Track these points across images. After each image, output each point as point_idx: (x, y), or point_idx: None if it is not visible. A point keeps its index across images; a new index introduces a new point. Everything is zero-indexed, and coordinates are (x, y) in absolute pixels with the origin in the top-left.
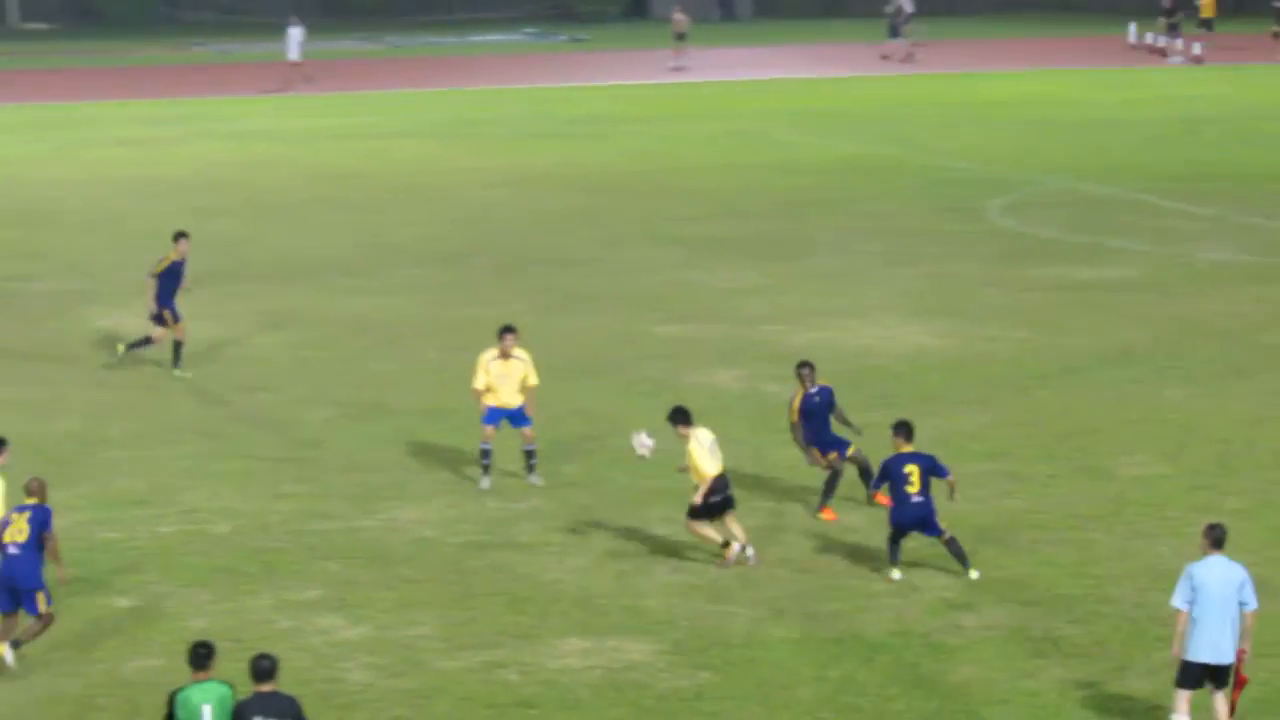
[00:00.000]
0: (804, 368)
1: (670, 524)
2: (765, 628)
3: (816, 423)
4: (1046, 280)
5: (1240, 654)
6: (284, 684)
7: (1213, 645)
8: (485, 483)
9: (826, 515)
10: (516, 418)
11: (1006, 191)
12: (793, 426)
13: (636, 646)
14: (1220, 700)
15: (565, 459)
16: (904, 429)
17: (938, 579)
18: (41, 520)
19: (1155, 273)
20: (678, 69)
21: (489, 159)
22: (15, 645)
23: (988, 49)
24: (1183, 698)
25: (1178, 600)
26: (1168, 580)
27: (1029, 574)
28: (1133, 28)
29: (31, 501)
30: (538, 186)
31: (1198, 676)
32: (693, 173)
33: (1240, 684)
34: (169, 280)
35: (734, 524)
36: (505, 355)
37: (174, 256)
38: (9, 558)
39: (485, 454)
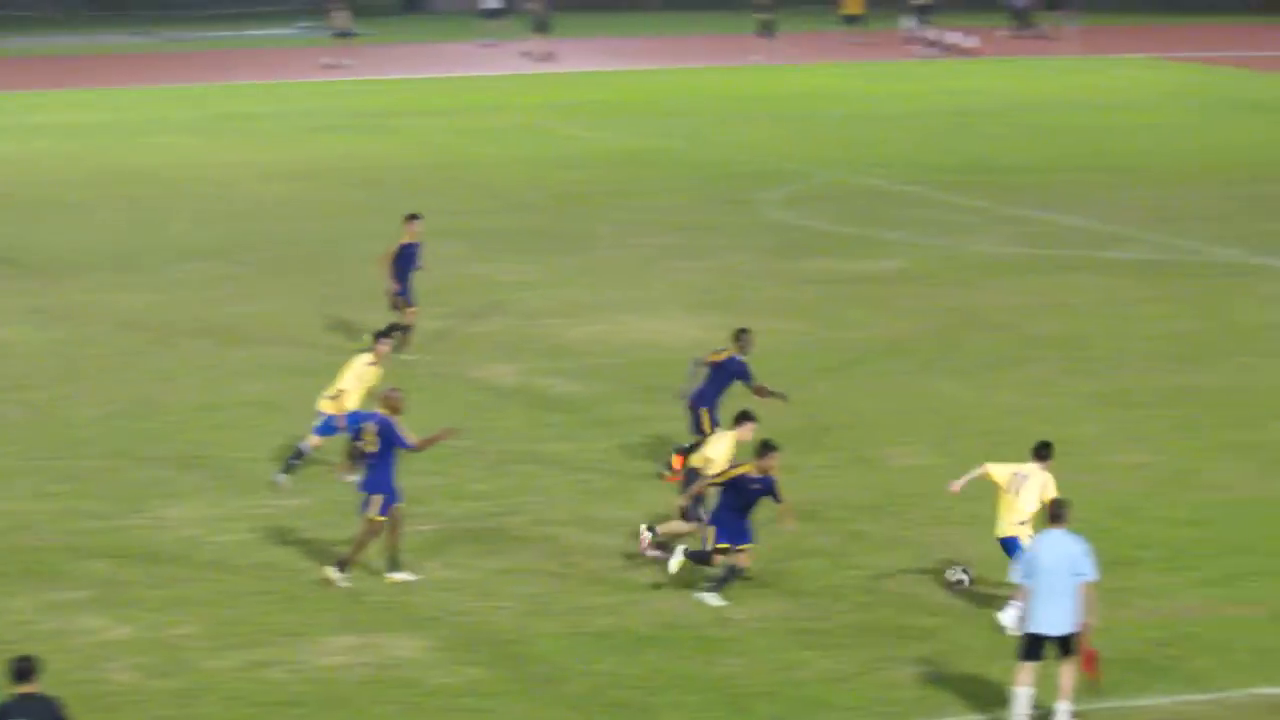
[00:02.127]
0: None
1: (438, 519)
2: (533, 623)
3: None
4: (820, 273)
5: (1084, 626)
6: (46, 686)
7: (1048, 617)
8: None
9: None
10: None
11: (781, 184)
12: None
13: (405, 643)
14: (1066, 671)
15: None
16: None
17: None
18: None
19: (926, 265)
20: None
21: (267, 153)
22: None
23: (794, 42)
24: (1024, 670)
25: (1016, 575)
26: (936, 570)
27: (798, 565)
28: (906, 21)
29: None
30: (319, 181)
31: (1037, 648)
32: (475, 166)
33: (1089, 658)
34: (403, 263)
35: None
36: (377, 363)
37: (406, 239)
38: None
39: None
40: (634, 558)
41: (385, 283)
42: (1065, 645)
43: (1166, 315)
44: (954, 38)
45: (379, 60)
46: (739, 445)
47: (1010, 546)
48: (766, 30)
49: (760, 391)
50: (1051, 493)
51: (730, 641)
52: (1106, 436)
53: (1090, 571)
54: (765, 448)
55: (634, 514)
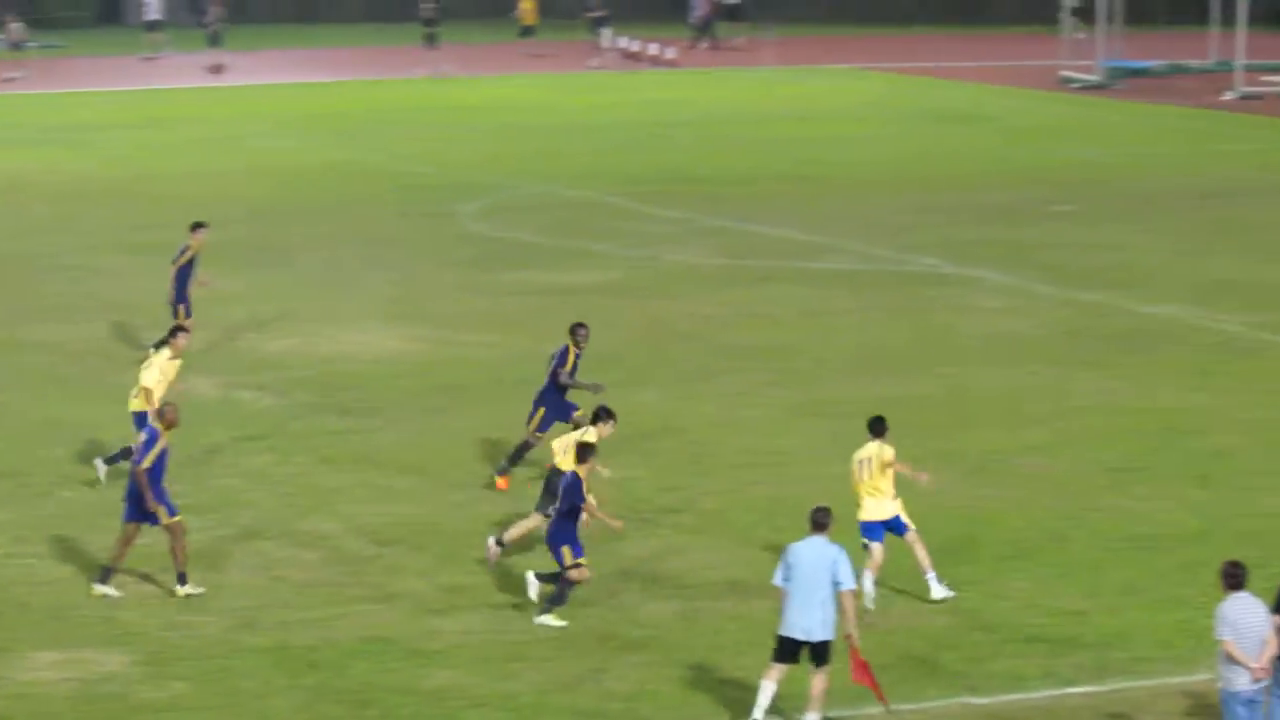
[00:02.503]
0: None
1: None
2: (239, 637)
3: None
4: (520, 285)
5: (849, 638)
6: None
7: (799, 622)
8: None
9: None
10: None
11: (479, 196)
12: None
13: (111, 658)
14: (818, 679)
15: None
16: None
17: (415, 584)
18: None
19: (628, 276)
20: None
21: None
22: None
23: (469, 54)
24: (773, 670)
25: (776, 578)
26: (641, 581)
27: (504, 576)
28: (607, 32)
29: None
30: (9, 195)
31: (789, 651)
32: (171, 179)
33: (859, 667)
34: (185, 272)
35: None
36: (177, 356)
37: (195, 248)
38: None
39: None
40: (340, 565)
41: (168, 291)
42: (817, 653)
43: (868, 325)
44: (653, 49)
45: (68, 72)
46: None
47: (898, 526)
48: (430, 42)
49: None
50: (889, 457)
51: (440, 654)
52: (810, 447)
53: (848, 580)
54: (582, 448)
55: (336, 526)
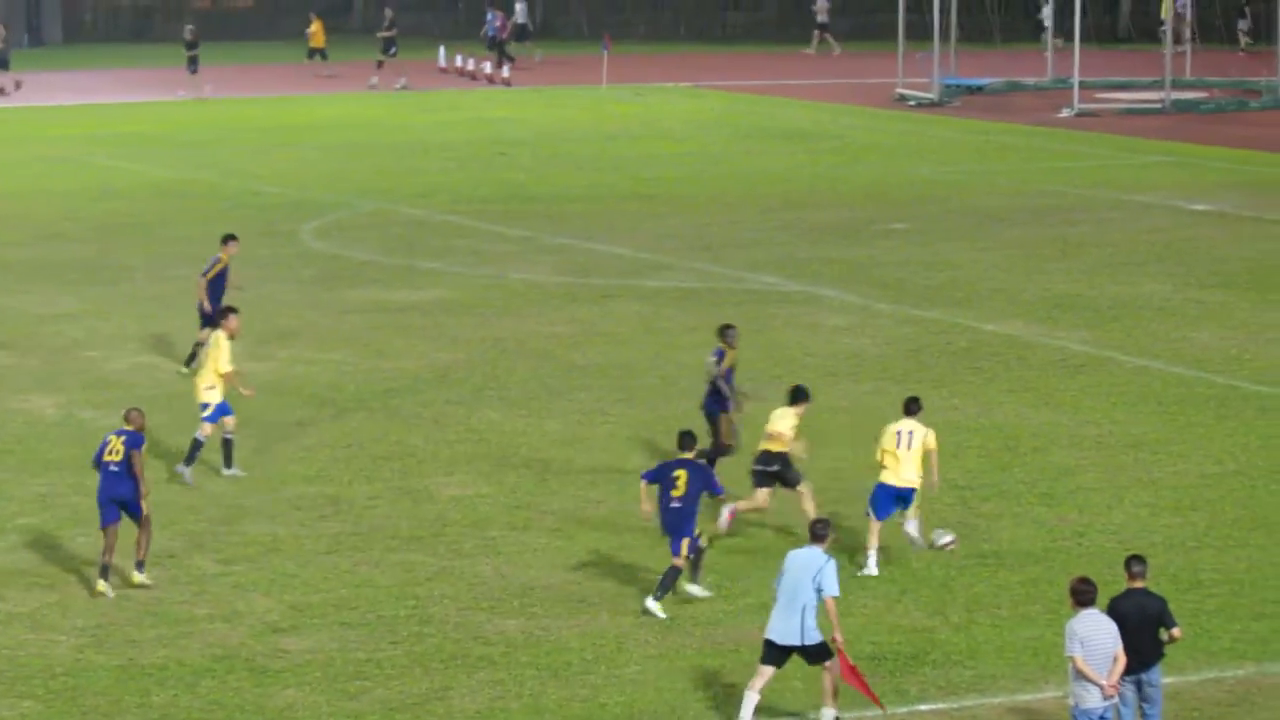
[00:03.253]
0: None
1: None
2: (88, 655)
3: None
4: (363, 302)
5: (835, 641)
6: None
7: (777, 626)
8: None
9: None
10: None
11: (320, 214)
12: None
13: None
14: (825, 676)
15: None
16: (685, 438)
17: (261, 603)
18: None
19: (470, 294)
20: None
21: None
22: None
23: (292, 74)
24: (760, 674)
25: (775, 582)
26: (489, 599)
27: (350, 595)
28: (442, 51)
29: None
30: None
31: (771, 653)
32: (5, 199)
33: (849, 670)
34: (218, 284)
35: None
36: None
37: (225, 260)
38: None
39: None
40: (186, 585)
41: (202, 303)
42: (811, 655)
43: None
44: (486, 67)
45: None
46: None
47: (908, 496)
48: (192, 65)
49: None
50: (933, 444)
51: (287, 672)
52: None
53: (831, 588)
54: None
55: (183, 544)
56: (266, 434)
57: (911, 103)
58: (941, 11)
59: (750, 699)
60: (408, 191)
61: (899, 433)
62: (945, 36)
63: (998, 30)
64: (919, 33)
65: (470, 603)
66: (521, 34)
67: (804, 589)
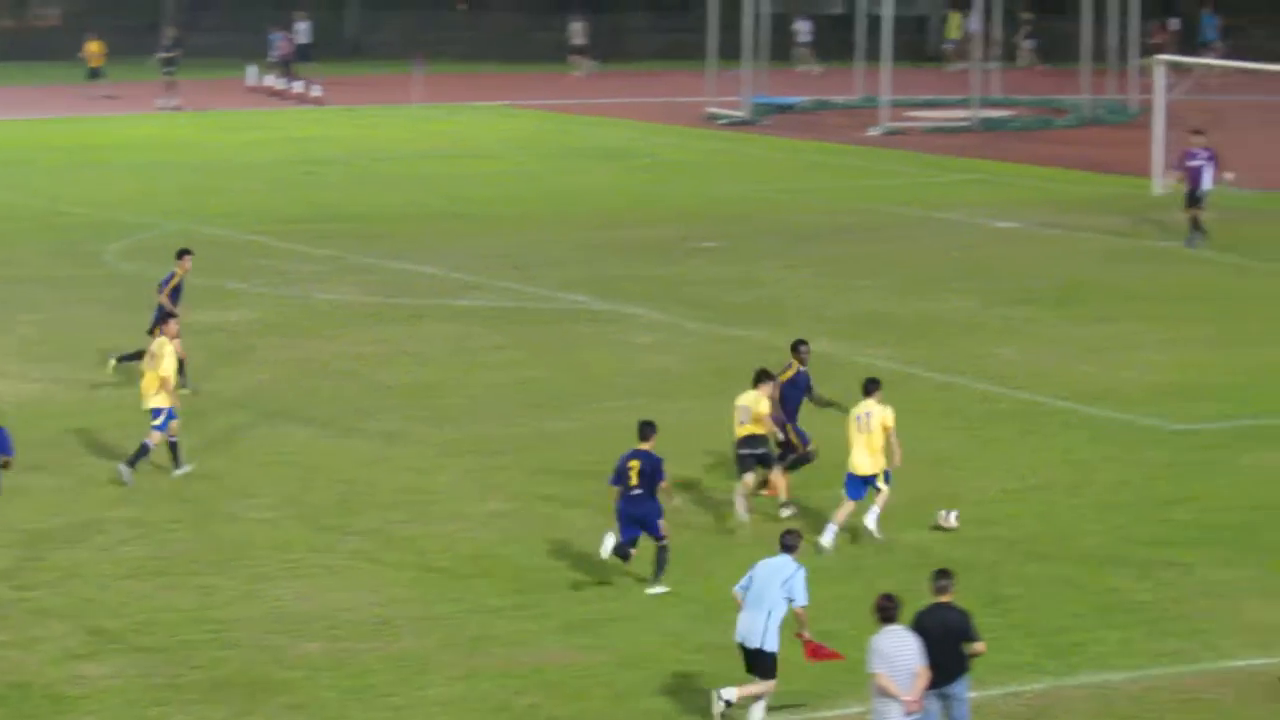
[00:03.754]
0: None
1: None
2: None
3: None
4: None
5: (799, 635)
6: None
7: (740, 627)
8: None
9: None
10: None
11: (125, 235)
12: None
13: None
14: (755, 685)
15: None
16: (644, 428)
17: (60, 628)
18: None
19: (277, 314)
20: None
21: None
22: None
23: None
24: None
25: (737, 587)
26: (291, 622)
27: (151, 620)
28: (252, 70)
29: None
30: None
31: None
32: None
33: (812, 651)
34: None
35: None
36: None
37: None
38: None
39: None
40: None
41: (166, 308)
42: (754, 662)
43: (520, 362)
44: (298, 86)
45: None
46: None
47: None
48: None
49: (820, 401)
50: (890, 422)
51: (84, 699)
52: (463, 485)
53: (801, 597)
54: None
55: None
56: (68, 456)
57: (722, 121)
58: (752, 30)
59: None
60: (214, 212)
61: (858, 416)
62: (756, 55)
63: (809, 49)
64: (730, 52)
65: (272, 626)
66: (304, 54)
67: (770, 594)
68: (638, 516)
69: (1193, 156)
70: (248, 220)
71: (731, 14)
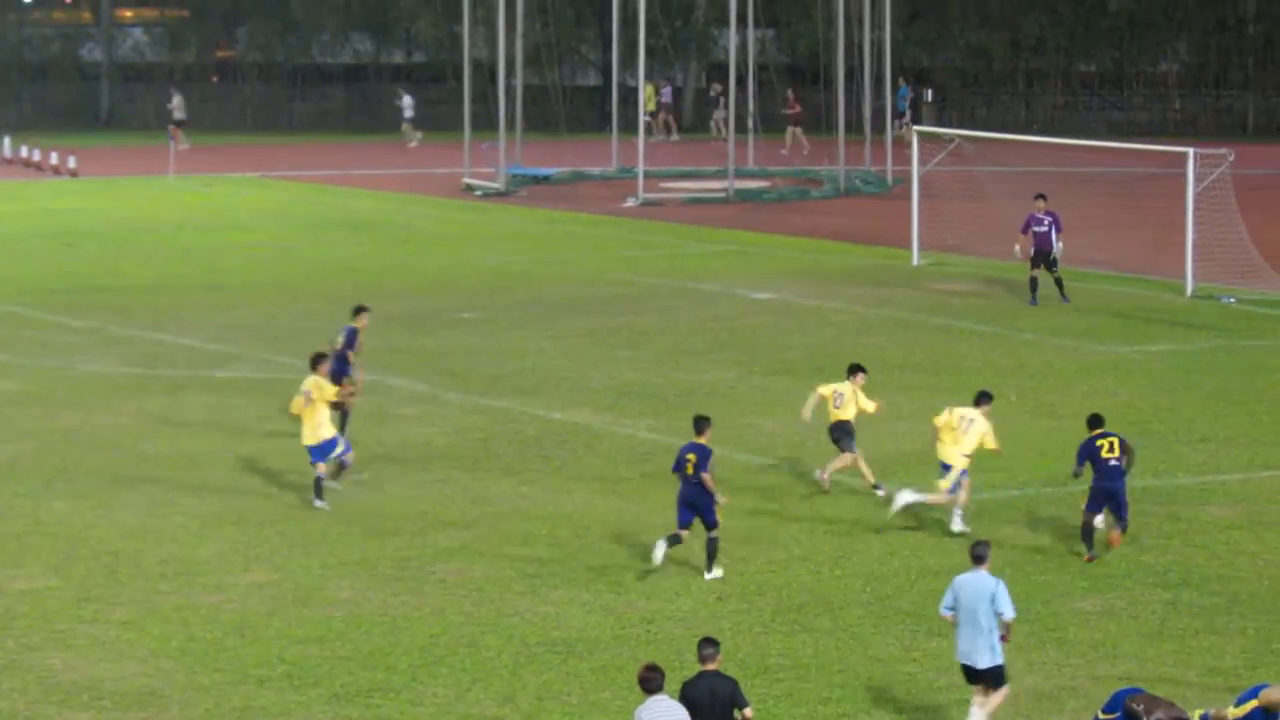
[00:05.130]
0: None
1: None
2: None
3: None
4: None
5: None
6: None
7: (964, 649)
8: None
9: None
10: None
11: None
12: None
13: None
14: (994, 696)
15: None
16: (698, 422)
17: None
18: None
19: (37, 385)
20: None
21: None
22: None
23: None
24: (973, 693)
25: (943, 606)
26: (59, 692)
27: None
28: (6, 141)
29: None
30: None
31: (969, 675)
32: None
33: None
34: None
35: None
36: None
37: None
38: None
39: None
40: None
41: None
42: (987, 678)
43: (280, 432)
44: (54, 158)
45: None
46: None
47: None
48: None
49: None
50: (991, 441)
51: None
52: (226, 555)
53: (1008, 610)
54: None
55: None
56: None
57: (478, 192)
58: (507, 102)
59: (975, 712)
60: None
61: (961, 416)
62: (511, 127)
63: (564, 121)
64: (486, 123)
65: (39, 696)
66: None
67: (982, 611)
68: (695, 504)
69: (1039, 222)
70: (7, 292)
71: (486, 86)
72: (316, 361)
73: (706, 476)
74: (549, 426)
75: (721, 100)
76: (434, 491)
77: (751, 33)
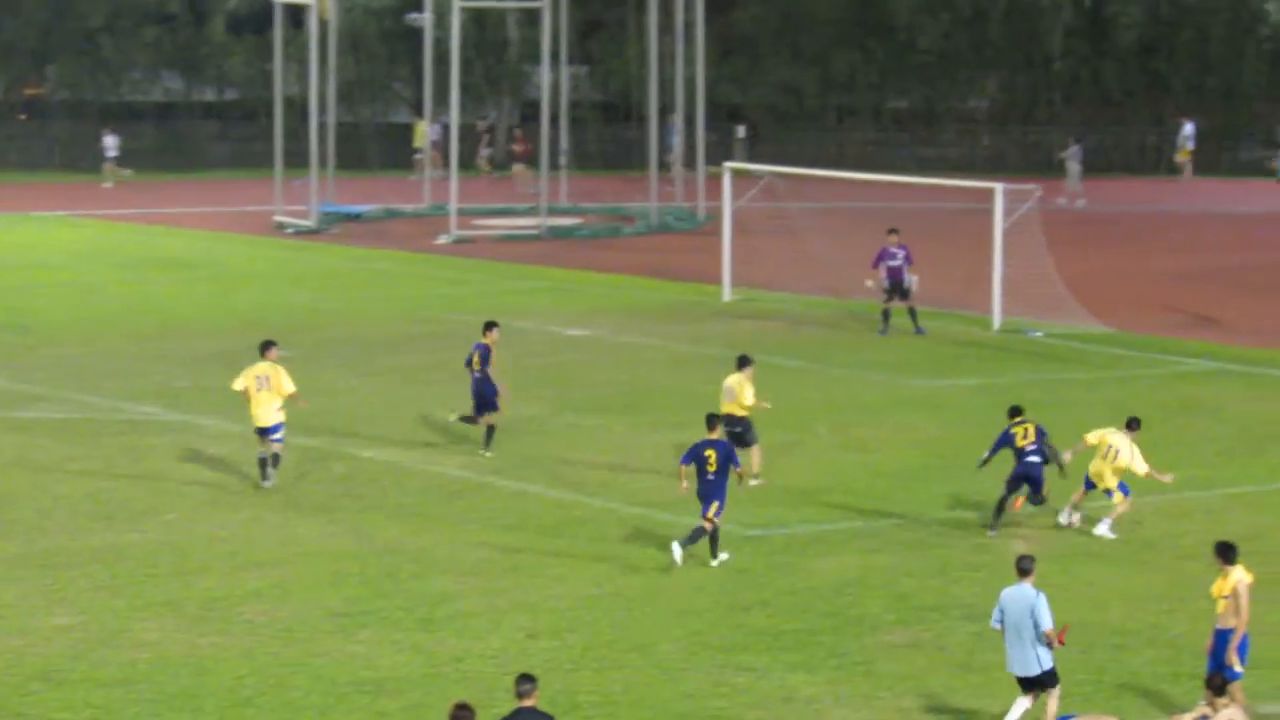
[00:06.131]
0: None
1: None
2: None
3: None
4: None
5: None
6: None
7: (1014, 659)
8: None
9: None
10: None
11: None
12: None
13: None
14: (1050, 701)
15: None
16: (711, 420)
17: None
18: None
19: None
20: None
21: None
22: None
23: None
24: (1021, 697)
25: (993, 621)
26: None
27: None
28: None
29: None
30: None
31: (1022, 683)
32: None
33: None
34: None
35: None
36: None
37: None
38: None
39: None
40: None
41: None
42: (1041, 682)
43: (89, 473)
44: None
45: None
46: None
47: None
48: None
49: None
50: (1140, 463)
51: None
52: (30, 599)
53: (1046, 621)
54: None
55: None
56: None
57: (290, 230)
58: (319, 139)
59: (1018, 705)
60: None
61: (1111, 445)
62: (323, 164)
63: (376, 158)
64: (298, 160)
65: None
66: None
67: (1025, 624)
68: (714, 497)
69: (891, 255)
70: None
71: (298, 123)
72: (265, 348)
73: (738, 471)
74: (359, 464)
75: (486, 137)
76: (243, 531)
77: (565, 69)
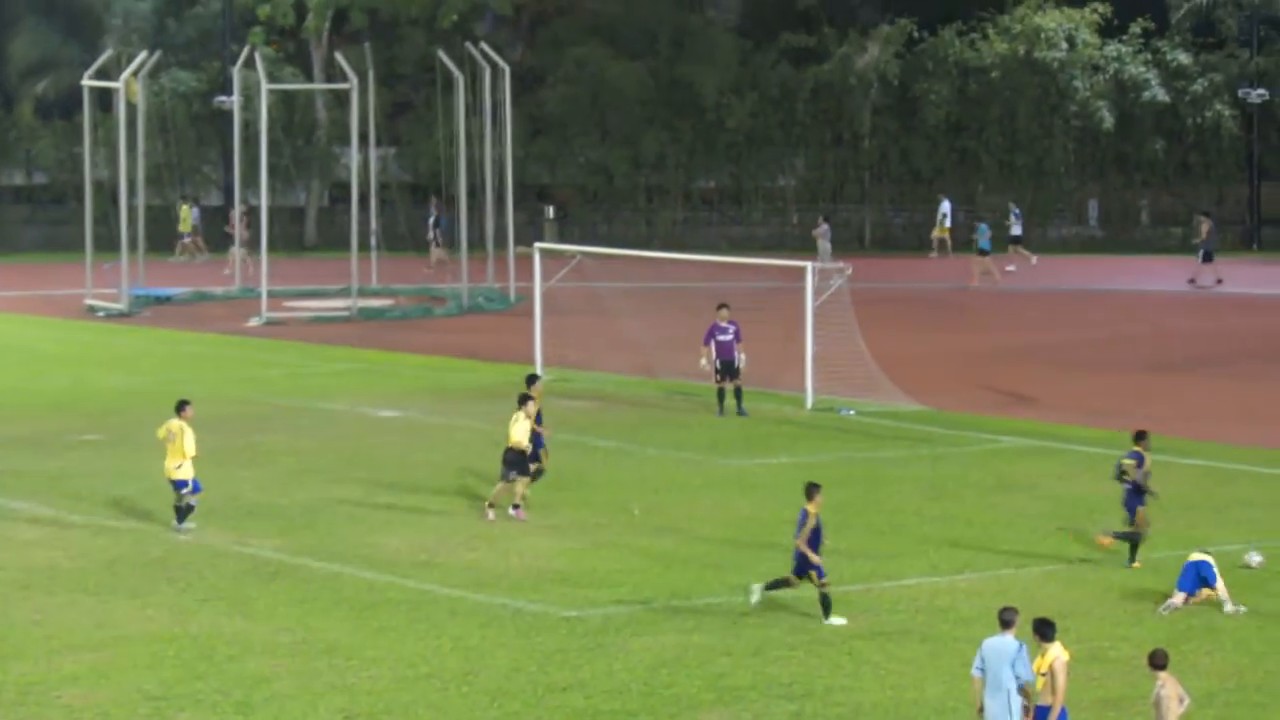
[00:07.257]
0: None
1: None
2: None
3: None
4: None
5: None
6: None
7: (990, 708)
8: None
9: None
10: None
11: None
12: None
13: None
14: None
15: None
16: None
17: None
18: None
19: None
20: None
21: None
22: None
23: None
24: None
25: (974, 669)
26: None
27: None
28: None
29: None
30: None
31: None
32: None
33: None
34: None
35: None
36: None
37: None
38: None
39: None
40: None
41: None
42: None
43: None
44: None
45: None
46: None
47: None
48: None
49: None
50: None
51: None
52: None
53: (1026, 673)
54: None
55: None
56: None
57: (101, 313)
58: (129, 223)
59: None
60: None
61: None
62: (133, 247)
63: (180, 242)
64: (108, 244)
65: None
66: None
67: (1004, 675)
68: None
69: (723, 331)
70: None
71: (108, 206)
72: (180, 407)
73: (800, 543)
74: (174, 547)
75: (246, 219)
76: (59, 615)
77: (374, 151)
